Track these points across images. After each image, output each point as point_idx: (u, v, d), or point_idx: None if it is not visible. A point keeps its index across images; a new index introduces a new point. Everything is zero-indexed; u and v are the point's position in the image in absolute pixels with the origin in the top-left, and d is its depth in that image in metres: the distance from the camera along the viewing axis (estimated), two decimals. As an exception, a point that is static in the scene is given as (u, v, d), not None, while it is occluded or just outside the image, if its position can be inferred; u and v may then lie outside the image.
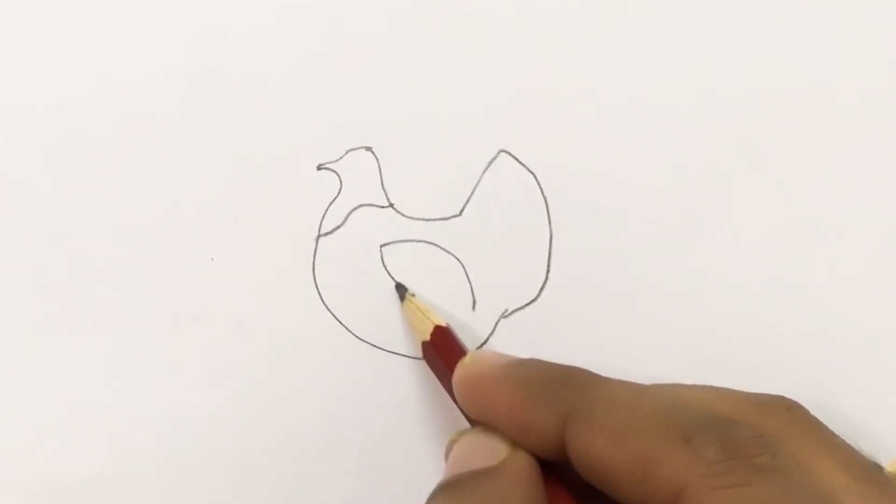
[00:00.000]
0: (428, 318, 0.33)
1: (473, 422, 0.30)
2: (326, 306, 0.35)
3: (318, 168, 0.35)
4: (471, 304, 0.35)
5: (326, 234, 0.35)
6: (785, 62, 0.36)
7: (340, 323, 0.35)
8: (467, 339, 0.34)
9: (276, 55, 0.35)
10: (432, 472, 0.34)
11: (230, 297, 0.35)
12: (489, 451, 0.28)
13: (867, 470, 0.25)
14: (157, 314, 0.34)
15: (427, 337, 0.33)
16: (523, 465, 0.27)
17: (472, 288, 0.35)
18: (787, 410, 0.27)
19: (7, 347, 0.34)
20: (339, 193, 0.35)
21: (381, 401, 0.34)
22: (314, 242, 0.35)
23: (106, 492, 0.34)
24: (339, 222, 0.35)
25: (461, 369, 0.30)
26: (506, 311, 0.35)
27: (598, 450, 0.26)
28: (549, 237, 0.35)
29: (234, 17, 0.35)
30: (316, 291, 0.35)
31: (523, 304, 0.35)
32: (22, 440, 0.34)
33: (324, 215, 0.35)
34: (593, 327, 0.35)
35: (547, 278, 0.35)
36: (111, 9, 0.35)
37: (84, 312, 0.34)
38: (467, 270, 0.35)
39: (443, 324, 0.33)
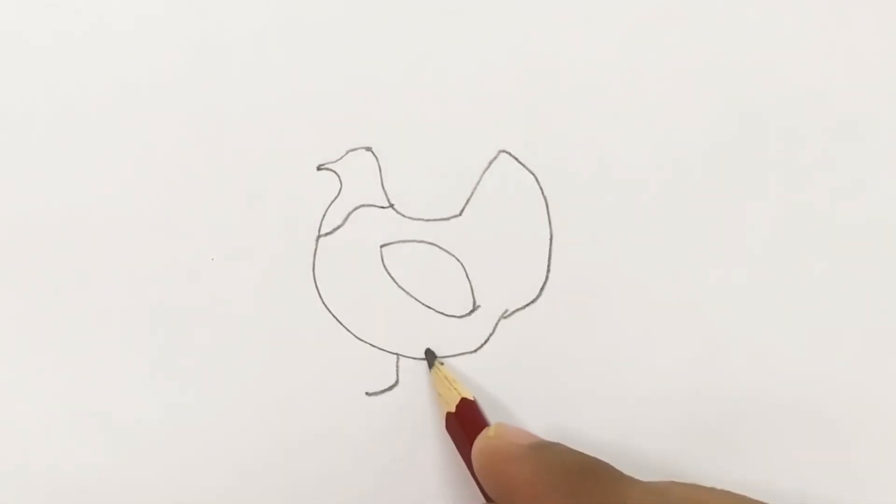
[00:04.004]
0: (455, 389, 0.33)
1: (487, 496, 0.29)
2: (326, 306, 0.35)
3: (318, 168, 0.35)
4: (471, 304, 0.35)
5: (326, 234, 0.35)
6: (784, 62, 0.36)
7: (340, 323, 0.35)
8: (468, 339, 0.34)
9: (277, 55, 0.35)
10: (432, 471, 0.34)
11: (230, 297, 0.35)
12: None
13: None
14: (156, 314, 0.34)
15: (452, 408, 0.32)
16: None
17: (472, 288, 0.35)
18: None
19: (7, 347, 0.34)
20: (339, 193, 0.35)
21: (381, 400, 0.34)
22: (314, 242, 0.35)
23: (106, 492, 0.34)
24: (339, 222, 0.35)
25: (483, 441, 0.29)
26: (506, 311, 0.35)
27: None
28: (549, 237, 0.35)
29: (234, 17, 0.35)
30: (316, 291, 0.35)
31: (523, 304, 0.35)
32: (22, 440, 0.34)
33: (324, 215, 0.35)
34: (593, 327, 0.35)
35: (547, 278, 0.35)
36: (112, 10, 0.35)
37: (84, 312, 0.34)
38: (467, 270, 0.35)
39: (470, 397, 0.32)
